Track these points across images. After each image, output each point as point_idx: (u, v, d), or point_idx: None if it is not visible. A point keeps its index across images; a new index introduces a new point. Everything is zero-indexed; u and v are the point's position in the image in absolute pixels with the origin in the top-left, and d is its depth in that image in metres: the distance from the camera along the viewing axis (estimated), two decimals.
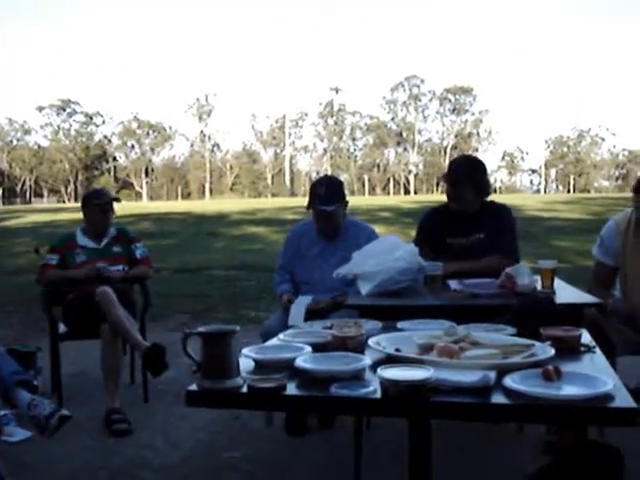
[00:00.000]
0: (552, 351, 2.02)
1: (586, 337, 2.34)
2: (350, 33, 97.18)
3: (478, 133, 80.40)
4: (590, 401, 1.68)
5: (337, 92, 78.08)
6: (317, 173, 79.23)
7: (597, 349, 2.24)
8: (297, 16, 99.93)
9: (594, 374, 1.85)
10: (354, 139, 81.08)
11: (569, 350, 2.17)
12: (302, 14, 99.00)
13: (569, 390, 1.76)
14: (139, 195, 76.89)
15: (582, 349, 2.23)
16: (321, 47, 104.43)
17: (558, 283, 3.65)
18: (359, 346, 2.07)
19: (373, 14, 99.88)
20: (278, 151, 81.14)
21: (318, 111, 79.33)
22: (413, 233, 4.36)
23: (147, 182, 79.01)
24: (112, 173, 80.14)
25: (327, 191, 4.21)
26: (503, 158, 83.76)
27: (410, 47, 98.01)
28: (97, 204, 4.88)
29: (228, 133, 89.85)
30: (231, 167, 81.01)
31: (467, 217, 4.14)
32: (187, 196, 76.08)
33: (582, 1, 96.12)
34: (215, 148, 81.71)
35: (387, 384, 1.70)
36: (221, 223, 22.43)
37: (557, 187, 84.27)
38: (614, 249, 3.85)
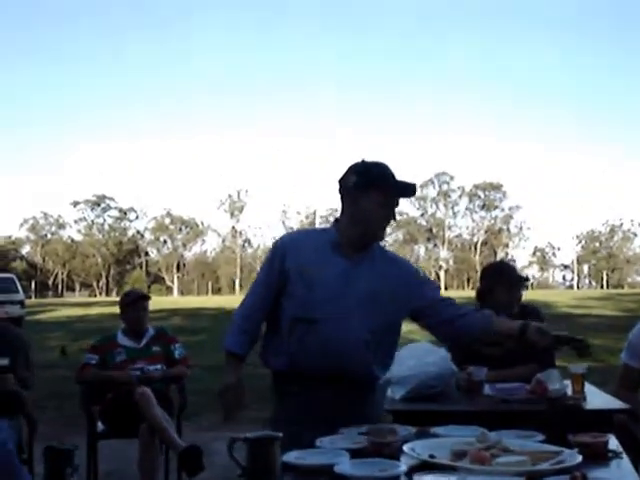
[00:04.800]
0: (579, 458, 2.08)
1: (613, 443, 2.40)
2: (379, 129, 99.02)
3: (508, 229, 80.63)
4: None
5: None
6: None
7: (624, 455, 2.29)
8: (324, 112, 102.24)
9: None
10: None
11: (597, 456, 2.23)
12: (329, 112, 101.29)
13: None
14: (170, 290, 77.43)
15: (609, 455, 2.29)
16: (350, 144, 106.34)
17: (588, 387, 3.70)
18: (395, 452, 2.16)
19: (401, 112, 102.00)
20: None
21: None
22: None
23: (178, 277, 79.68)
24: (144, 268, 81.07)
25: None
26: (534, 254, 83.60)
27: (439, 144, 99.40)
28: (132, 306, 5.08)
29: (259, 228, 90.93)
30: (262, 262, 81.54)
31: None
32: (217, 291, 76.47)
33: (600, 96, 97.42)
34: (246, 244, 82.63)
35: None
36: None
37: (590, 282, 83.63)
38: None
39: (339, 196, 2.97)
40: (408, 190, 2.94)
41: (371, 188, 2.84)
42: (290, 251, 2.93)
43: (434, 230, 79.34)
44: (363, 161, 2.93)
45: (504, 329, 2.91)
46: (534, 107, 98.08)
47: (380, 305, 2.86)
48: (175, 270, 79.54)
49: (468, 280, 75.56)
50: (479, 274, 4.39)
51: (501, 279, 4.14)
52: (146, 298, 5.20)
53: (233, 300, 36.36)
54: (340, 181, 2.95)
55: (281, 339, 2.89)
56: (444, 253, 79.68)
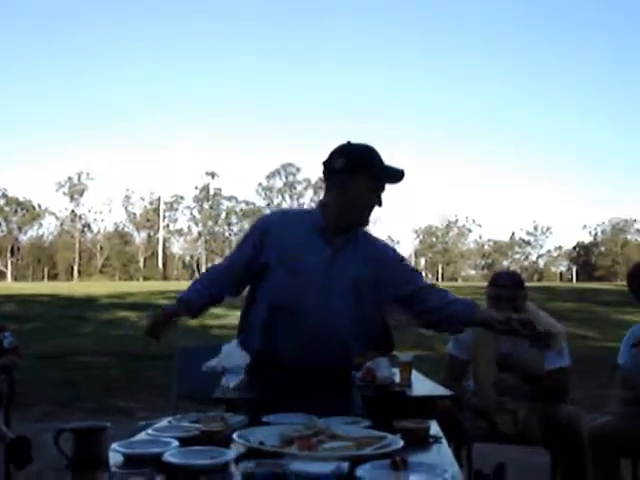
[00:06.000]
0: (401, 442, 2.19)
1: (434, 428, 2.53)
2: (225, 118, 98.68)
3: None
4: None
5: (213, 177, 78.59)
6: (191, 257, 79.02)
7: (444, 440, 2.43)
8: (173, 99, 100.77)
9: (437, 463, 2.04)
10: (229, 224, 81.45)
11: (418, 441, 2.35)
12: (178, 99, 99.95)
13: (413, 479, 1.94)
14: (3, 275, 73.98)
15: (430, 440, 2.41)
16: (197, 131, 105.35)
17: (416, 375, 3.89)
18: (225, 440, 2.19)
19: (250, 101, 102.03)
20: (151, 233, 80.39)
21: (194, 195, 79.50)
22: None
23: (12, 261, 76.26)
24: None
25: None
26: None
27: (287, 135, 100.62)
28: None
29: (100, 213, 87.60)
30: (101, 248, 79.41)
31: None
32: (54, 277, 73.83)
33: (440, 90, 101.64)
34: (86, 228, 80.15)
35: (247, 477, 1.83)
36: (89, 307, 21.91)
37: (426, 275, 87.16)
38: (467, 344, 4.13)
39: (324, 178, 2.85)
40: (397, 176, 2.83)
41: (360, 172, 2.75)
42: (272, 234, 2.79)
43: None
44: (350, 143, 2.82)
45: (487, 318, 2.81)
46: (379, 103, 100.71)
47: (365, 292, 2.77)
48: (9, 254, 76.02)
49: None
50: None
51: None
52: None
53: (70, 286, 35.25)
54: (325, 163, 2.82)
55: (258, 326, 2.78)
56: None
